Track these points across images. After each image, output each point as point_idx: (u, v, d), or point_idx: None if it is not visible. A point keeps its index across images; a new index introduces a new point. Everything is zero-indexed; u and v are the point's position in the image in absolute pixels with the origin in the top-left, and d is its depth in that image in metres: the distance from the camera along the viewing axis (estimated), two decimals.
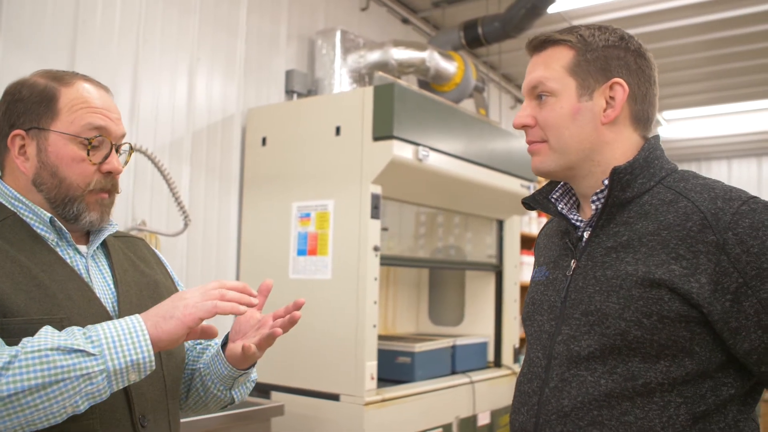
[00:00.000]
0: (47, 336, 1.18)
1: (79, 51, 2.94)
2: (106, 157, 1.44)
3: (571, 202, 1.54)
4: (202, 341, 1.70)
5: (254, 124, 3.63)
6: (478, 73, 4.46)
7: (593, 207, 1.42)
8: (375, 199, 3.10)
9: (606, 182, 1.38)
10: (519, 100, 6.92)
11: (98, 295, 1.40)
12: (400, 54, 3.98)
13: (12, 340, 1.20)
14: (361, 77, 4.04)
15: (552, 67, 1.42)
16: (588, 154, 1.41)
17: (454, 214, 4.24)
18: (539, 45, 1.47)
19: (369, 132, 3.10)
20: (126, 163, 1.52)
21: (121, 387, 1.22)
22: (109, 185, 1.46)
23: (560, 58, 1.42)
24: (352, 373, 3.03)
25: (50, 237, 1.40)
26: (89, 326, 1.23)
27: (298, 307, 1.48)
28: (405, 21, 5.17)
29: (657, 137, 1.45)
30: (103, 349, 1.18)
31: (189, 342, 1.67)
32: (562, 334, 1.37)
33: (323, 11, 4.35)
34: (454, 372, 3.77)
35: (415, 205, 3.89)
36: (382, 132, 3.06)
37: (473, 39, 4.49)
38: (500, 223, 4.25)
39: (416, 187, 3.39)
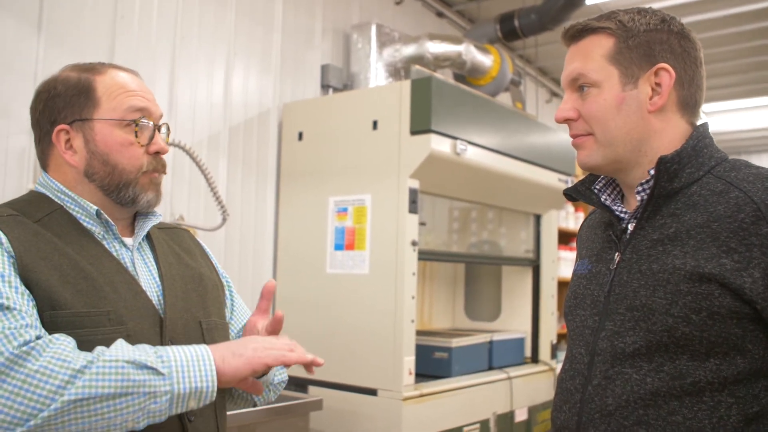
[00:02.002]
0: (123, 348, 1.19)
1: (118, 46, 2.96)
2: (151, 138, 1.46)
3: (615, 193, 1.49)
4: None
5: (290, 118, 3.63)
6: (514, 66, 4.42)
7: (638, 198, 1.37)
8: (413, 193, 3.08)
9: (652, 172, 1.33)
10: (555, 94, 6.85)
11: (144, 288, 1.40)
12: (435, 47, 3.95)
13: (60, 333, 1.21)
14: (396, 71, 4.02)
15: (592, 57, 1.37)
16: (636, 145, 1.36)
17: (490, 209, 4.20)
18: (576, 34, 1.41)
19: (407, 126, 3.08)
20: (167, 143, 1.53)
21: (179, 412, 1.21)
22: (159, 166, 1.48)
23: (600, 46, 1.37)
24: (390, 368, 3.02)
25: (96, 230, 1.41)
26: (159, 347, 1.23)
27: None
28: (440, 14, 5.13)
29: (706, 125, 1.40)
30: (172, 370, 1.19)
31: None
32: (606, 330, 1.33)
33: (358, 5, 4.33)
34: (491, 368, 3.74)
35: (451, 200, 3.86)
36: (420, 126, 3.04)
37: (509, 31, 4.45)
38: (537, 218, 4.21)
39: (454, 181, 3.36)
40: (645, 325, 1.26)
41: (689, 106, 1.39)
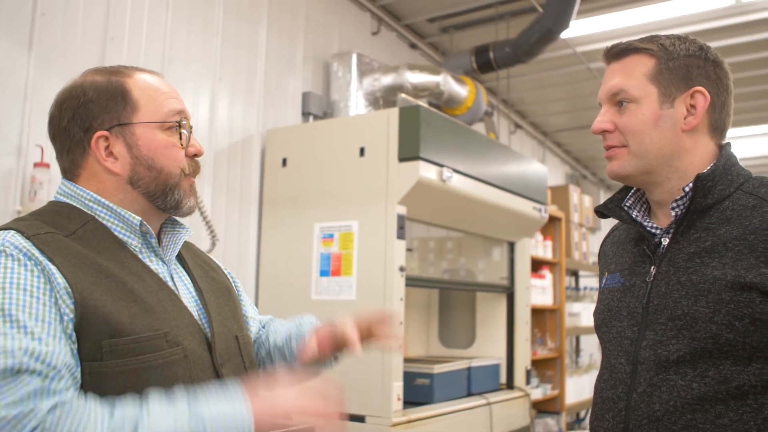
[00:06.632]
0: (157, 418, 1.11)
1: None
2: (188, 140, 1.41)
3: (644, 209, 1.58)
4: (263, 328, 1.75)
5: (274, 144, 3.64)
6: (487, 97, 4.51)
7: (673, 213, 1.46)
8: (401, 219, 3.11)
9: (686, 189, 1.42)
10: (518, 126, 6.99)
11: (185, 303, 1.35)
12: (415, 77, 4.02)
13: (121, 362, 1.17)
14: (375, 100, 4.06)
15: (634, 75, 1.47)
16: (667, 160, 1.45)
17: (465, 235, 4.25)
18: (620, 52, 1.51)
19: (395, 153, 3.12)
20: None
21: None
22: (197, 168, 1.44)
23: (642, 65, 1.47)
24: (378, 394, 3.02)
25: (133, 242, 1.34)
26: (194, 404, 1.15)
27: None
28: (413, 46, 5.22)
29: (729, 145, 1.50)
30: None
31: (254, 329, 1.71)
32: (647, 340, 1.40)
33: (337, 34, 4.39)
34: (470, 394, 3.76)
35: (428, 226, 3.90)
36: (408, 153, 3.08)
37: (484, 63, 4.55)
38: (511, 245, 4.28)
39: (437, 208, 3.40)
40: (688, 333, 1.34)
41: (718, 129, 1.49)
